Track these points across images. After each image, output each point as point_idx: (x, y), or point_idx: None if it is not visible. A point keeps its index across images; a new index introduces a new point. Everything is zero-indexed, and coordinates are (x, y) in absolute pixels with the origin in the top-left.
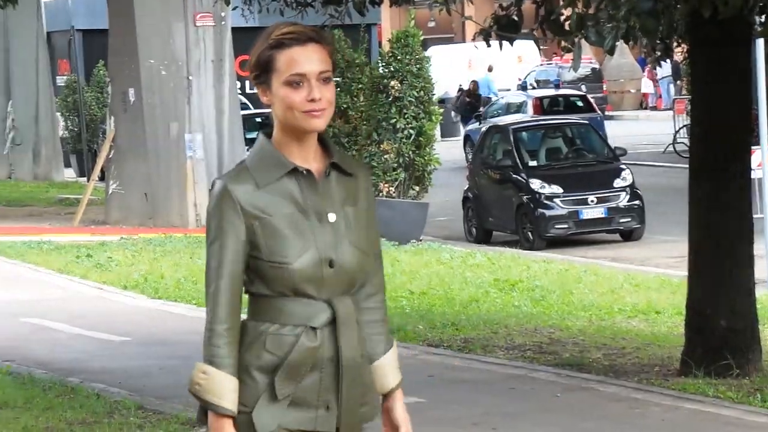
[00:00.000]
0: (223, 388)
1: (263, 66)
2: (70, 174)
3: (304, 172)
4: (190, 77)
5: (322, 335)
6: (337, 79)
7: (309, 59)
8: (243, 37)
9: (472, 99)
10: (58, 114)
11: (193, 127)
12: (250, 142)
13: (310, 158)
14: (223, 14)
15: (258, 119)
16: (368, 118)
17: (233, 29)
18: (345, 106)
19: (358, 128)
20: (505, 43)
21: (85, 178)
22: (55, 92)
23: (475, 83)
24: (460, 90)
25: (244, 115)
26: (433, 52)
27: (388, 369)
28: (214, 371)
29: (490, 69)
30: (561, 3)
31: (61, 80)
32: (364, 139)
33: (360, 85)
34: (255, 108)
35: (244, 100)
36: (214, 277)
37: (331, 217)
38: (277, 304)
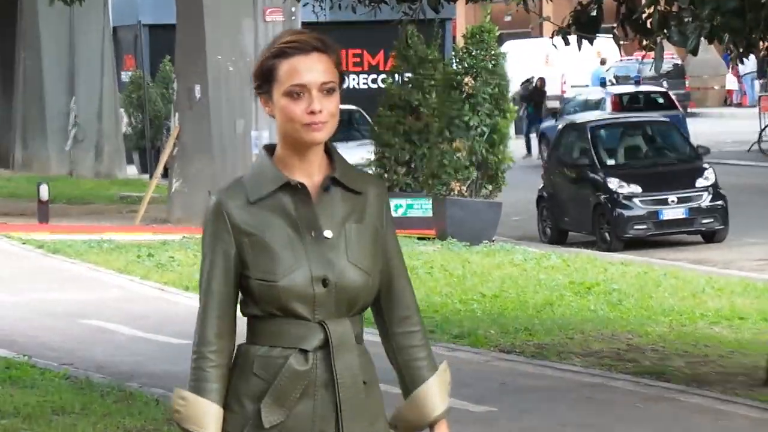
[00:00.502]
0: (205, 415)
1: (265, 75)
2: (132, 171)
3: (298, 185)
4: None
5: (314, 359)
6: (409, 75)
7: (310, 69)
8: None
9: (538, 95)
10: (122, 110)
11: (259, 124)
12: None
13: (313, 172)
14: (293, 9)
15: None
16: (440, 115)
17: (304, 25)
18: (417, 102)
19: (430, 125)
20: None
21: (147, 176)
22: (120, 88)
23: (542, 80)
24: (526, 83)
25: None
26: (509, 47)
27: (431, 397)
28: (193, 398)
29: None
30: (643, 2)
31: (125, 76)
32: (436, 137)
33: (432, 82)
34: None
35: None
36: (203, 296)
37: (328, 233)
38: (268, 326)
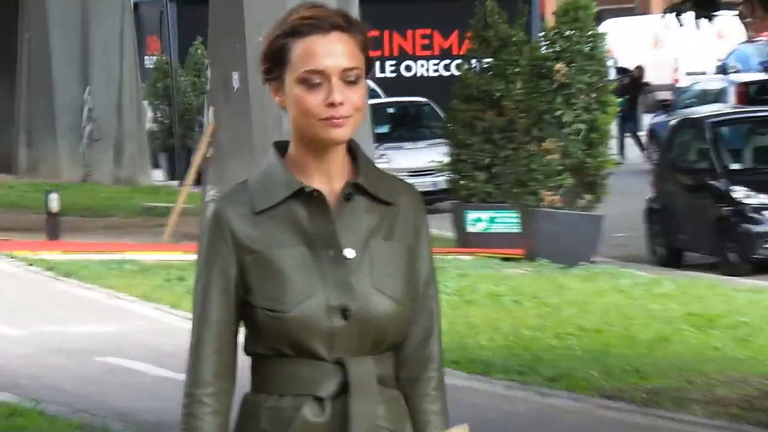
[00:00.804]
0: None
1: (275, 57)
2: (158, 177)
3: (314, 193)
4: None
5: (332, 409)
6: (489, 60)
7: (330, 52)
8: (374, 10)
9: (633, 88)
10: (146, 103)
11: None
12: (380, 138)
13: (333, 176)
14: None
15: (390, 110)
16: (527, 109)
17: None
18: (499, 94)
19: (515, 122)
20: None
21: (177, 182)
22: (143, 76)
23: (640, 69)
24: (621, 74)
25: (372, 105)
26: (609, 26)
27: None
28: None
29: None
30: None
31: (149, 61)
32: (522, 136)
33: (517, 69)
34: (387, 95)
35: (373, 85)
36: (198, 325)
37: (349, 252)
38: (277, 368)
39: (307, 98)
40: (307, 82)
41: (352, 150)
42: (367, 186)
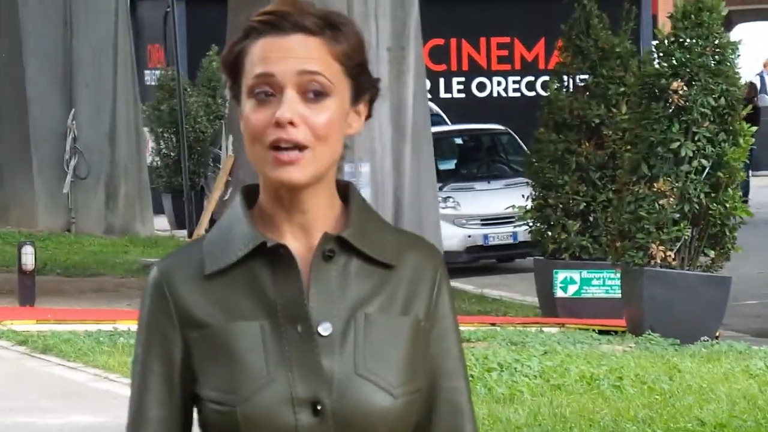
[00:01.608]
0: None
1: (231, 67)
2: (162, 224)
3: (281, 251)
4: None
5: None
6: (585, 77)
7: (286, 54)
8: (437, 13)
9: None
10: (146, 130)
11: (356, 154)
12: (445, 177)
13: (312, 230)
14: None
15: (458, 140)
16: (635, 140)
17: (422, 1)
18: (597, 120)
19: (618, 156)
20: None
21: (184, 232)
22: (142, 96)
23: (752, 86)
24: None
25: (435, 134)
26: (742, 32)
27: None
28: None
29: None
30: None
31: (151, 77)
32: (627, 175)
33: (622, 88)
34: (453, 122)
35: (437, 109)
36: (132, 424)
37: (324, 328)
38: None
39: (253, 115)
40: (257, 92)
41: (345, 190)
42: (353, 241)
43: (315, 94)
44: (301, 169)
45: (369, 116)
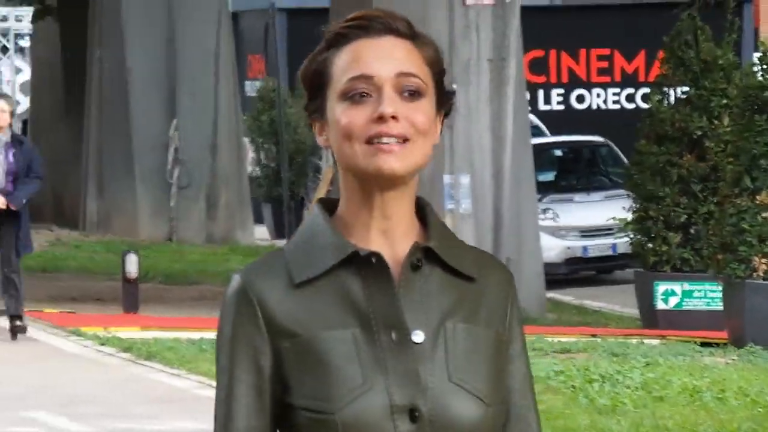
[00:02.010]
0: None
1: (315, 78)
2: (262, 234)
3: (372, 258)
4: (454, 86)
5: None
6: (687, 89)
7: (381, 55)
8: (536, 24)
9: None
10: (247, 140)
11: (456, 165)
12: (544, 188)
13: (396, 238)
14: None
15: (557, 152)
16: (737, 152)
17: (526, 11)
18: (699, 132)
19: (720, 168)
20: None
21: (284, 242)
22: (243, 106)
23: None
24: None
25: (535, 146)
26: None
27: None
28: None
29: None
30: None
31: (251, 88)
32: (730, 187)
33: (725, 101)
34: (553, 134)
35: (537, 121)
36: None
37: (418, 335)
38: None
39: (350, 115)
40: (351, 94)
41: (422, 210)
42: (441, 252)
43: (410, 93)
44: (402, 160)
45: (440, 131)
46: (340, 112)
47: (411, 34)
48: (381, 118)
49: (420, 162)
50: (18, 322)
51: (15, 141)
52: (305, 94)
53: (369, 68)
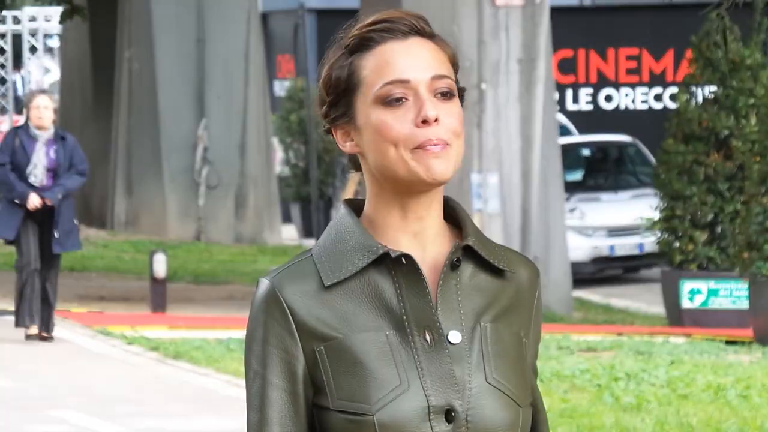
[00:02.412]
0: None
1: (340, 83)
2: (290, 234)
3: (403, 259)
4: (483, 85)
5: None
6: (715, 89)
7: (413, 58)
8: (565, 23)
9: None
10: (275, 140)
11: (484, 164)
12: (572, 188)
13: (426, 240)
14: None
15: (585, 151)
16: (764, 151)
17: (555, 11)
18: (727, 132)
19: (747, 168)
20: None
21: (313, 241)
22: (272, 106)
23: None
24: None
25: (563, 146)
26: None
27: None
28: None
29: None
30: None
31: (280, 88)
32: (756, 186)
33: (752, 100)
34: (581, 133)
35: (565, 120)
36: None
37: (455, 336)
38: None
39: (391, 121)
40: (389, 99)
41: (451, 209)
42: (479, 249)
43: (443, 94)
44: (446, 163)
45: None
46: (377, 118)
47: (431, 34)
48: (425, 122)
49: (458, 164)
50: (44, 333)
51: (57, 137)
52: (323, 101)
53: (404, 72)
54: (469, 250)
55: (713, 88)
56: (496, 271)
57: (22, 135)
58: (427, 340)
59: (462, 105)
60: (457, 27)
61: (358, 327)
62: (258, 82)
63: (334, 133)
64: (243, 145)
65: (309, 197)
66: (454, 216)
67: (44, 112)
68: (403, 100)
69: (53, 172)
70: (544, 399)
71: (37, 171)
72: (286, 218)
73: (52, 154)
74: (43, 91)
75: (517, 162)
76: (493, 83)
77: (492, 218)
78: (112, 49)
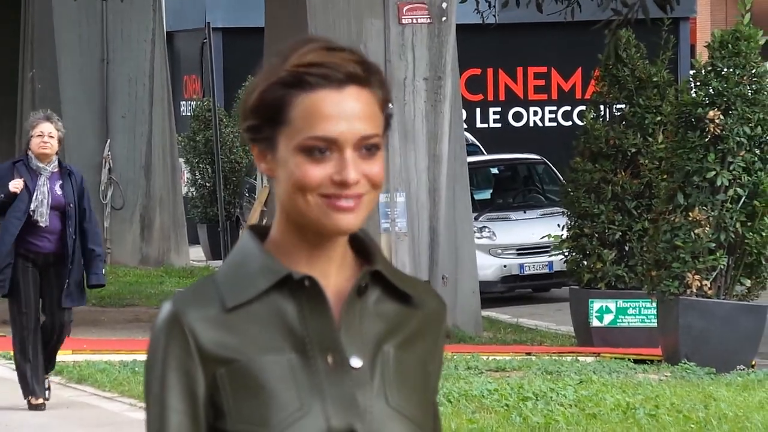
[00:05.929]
0: None
1: (268, 112)
2: (197, 255)
3: (307, 282)
4: (391, 105)
5: None
6: (621, 106)
7: (345, 115)
8: (474, 42)
9: None
10: (181, 161)
11: (392, 183)
12: (480, 206)
13: (332, 264)
14: (444, 6)
15: (494, 170)
16: (671, 169)
17: (460, 29)
18: (634, 149)
19: (654, 185)
20: None
21: (220, 263)
22: (178, 127)
23: None
24: None
25: (471, 164)
26: None
27: None
28: None
29: None
30: None
31: (186, 107)
32: (664, 204)
33: (659, 118)
34: (489, 152)
35: (472, 139)
36: None
37: (356, 361)
38: None
39: (309, 171)
40: (312, 151)
41: (357, 235)
42: (389, 275)
43: (368, 149)
44: (356, 216)
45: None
46: (296, 165)
47: (368, 79)
48: (343, 184)
49: (371, 209)
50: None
51: (63, 171)
52: (248, 116)
53: (332, 130)
54: (378, 276)
55: (620, 105)
56: (402, 299)
57: (21, 169)
58: (329, 364)
59: (386, 136)
60: (363, 46)
61: (260, 350)
62: (163, 102)
63: (251, 147)
64: (148, 165)
65: (216, 218)
66: (360, 242)
67: (49, 140)
68: (327, 153)
69: (58, 211)
70: (452, 420)
71: (42, 209)
72: (193, 239)
73: (57, 190)
74: (47, 118)
75: (425, 181)
76: (399, 102)
77: (400, 238)
78: (15, 70)
